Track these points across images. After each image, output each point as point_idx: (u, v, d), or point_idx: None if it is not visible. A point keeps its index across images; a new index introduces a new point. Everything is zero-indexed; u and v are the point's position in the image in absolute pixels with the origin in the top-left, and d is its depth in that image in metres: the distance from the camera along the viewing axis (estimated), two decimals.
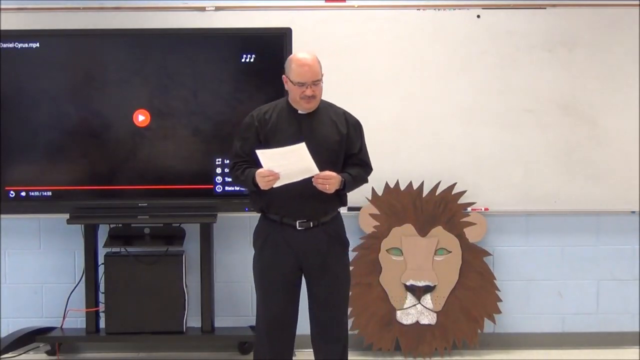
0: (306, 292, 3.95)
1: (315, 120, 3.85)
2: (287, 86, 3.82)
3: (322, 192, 3.72)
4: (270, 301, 3.88)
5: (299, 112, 3.84)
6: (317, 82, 3.76)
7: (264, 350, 3.92)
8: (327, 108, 3.89)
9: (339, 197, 3.86)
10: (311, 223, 3.81)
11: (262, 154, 3.70)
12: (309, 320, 3.99)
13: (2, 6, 4.74)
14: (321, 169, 3.71)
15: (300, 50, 3.89)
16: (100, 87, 4.65)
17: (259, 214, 3.94)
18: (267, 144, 3.77)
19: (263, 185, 3.72)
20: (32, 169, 4.65)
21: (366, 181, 3.99)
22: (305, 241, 3.82)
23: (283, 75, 3.83)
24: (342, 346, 3.94)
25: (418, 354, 4.92)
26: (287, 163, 3.68)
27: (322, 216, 3.83)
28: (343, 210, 3.95)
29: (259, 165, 3.75)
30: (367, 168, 3.96)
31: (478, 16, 4.90)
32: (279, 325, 3.90)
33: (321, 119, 3.86)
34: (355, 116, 3.96)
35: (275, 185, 3.72)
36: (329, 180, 3.72)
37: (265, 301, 3.90)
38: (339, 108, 3.94)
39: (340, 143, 3.86)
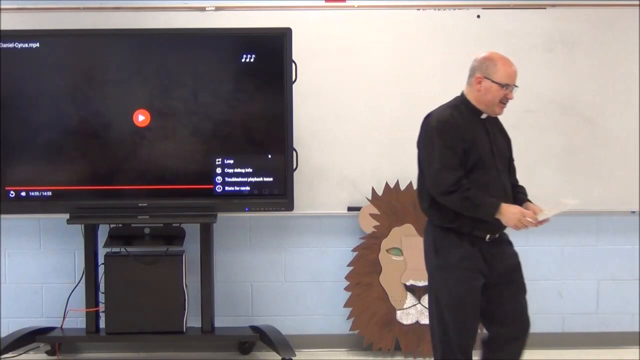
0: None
1: (495, 127, 3.70)
2: (483, 86, 3.60)
3: None
4: (472, 319, 3.68)
5: (482, 117, 3.64)
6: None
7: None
8: None
9: None
10: (497, 235, 3.69)
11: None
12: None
13: (2, 6, 4.74)
14: (504, 180, 3.65)
15: (494, 52, 3.69)
16: (100, 87, 4.64)
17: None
18: (467, 153, 3.53)
19: (518, 225, 3.50)
20: (32, 169, 4.64)
21: None
22: (494, 250, 3.67)
23: (477, 75, 3.62)
24: (524, 341, 3.84)
25: (418, 354, 4.92)
26: (551, 215, 3.56)
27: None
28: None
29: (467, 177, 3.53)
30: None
31: (478, 16, 4.90)
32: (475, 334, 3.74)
33: (495, 126, 3.71)
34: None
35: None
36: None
37: (465, 319, 3.66)
38: None
39: (510, 152, 3.80)
